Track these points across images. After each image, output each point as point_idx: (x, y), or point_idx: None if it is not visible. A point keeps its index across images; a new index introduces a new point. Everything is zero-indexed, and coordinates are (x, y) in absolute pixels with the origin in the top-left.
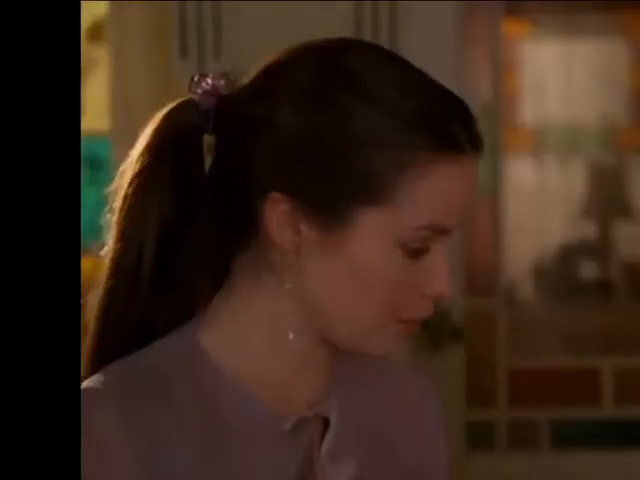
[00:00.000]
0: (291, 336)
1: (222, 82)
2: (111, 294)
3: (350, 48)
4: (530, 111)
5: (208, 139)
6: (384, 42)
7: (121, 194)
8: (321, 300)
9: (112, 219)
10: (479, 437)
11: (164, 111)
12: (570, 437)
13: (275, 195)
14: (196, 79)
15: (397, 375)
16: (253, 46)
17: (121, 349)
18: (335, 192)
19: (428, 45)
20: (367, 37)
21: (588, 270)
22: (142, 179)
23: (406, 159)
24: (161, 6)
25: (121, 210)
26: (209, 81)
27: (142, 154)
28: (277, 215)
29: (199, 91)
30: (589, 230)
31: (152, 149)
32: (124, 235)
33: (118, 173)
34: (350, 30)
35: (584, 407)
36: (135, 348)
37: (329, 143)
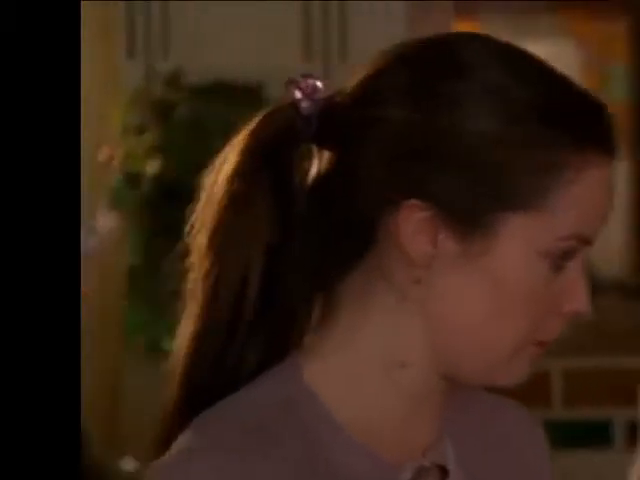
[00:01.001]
0: (410, 369)
1: (321, 85)
2: (207, 331)
3: (467, 42)
4: None
5: (309, 146)
6: (334, 43)
7: (211, 209)
8: (452, 323)
9: (197, 240)
10: None
11: (262, 115)
12: None
13: (413, 202)
14: (291, 82)
15: (494, 407)
16: (201, 45)
17: (212, 391)
18: (476, 197)
19: (378, 46)
20: (316, 38)
21: None
22: (241, 190)
23: (559, 161)
24: (108, 6)
25: (215, 228)
26: (309, 84)
27: (238, 163)
28: (413, 224)
29: (298, 95)
30: None
31: (252, 157)
32: (221, 258)
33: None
34: (299, 30)
35: (535, 408)
36: (225, 389)
37: (466, 143)
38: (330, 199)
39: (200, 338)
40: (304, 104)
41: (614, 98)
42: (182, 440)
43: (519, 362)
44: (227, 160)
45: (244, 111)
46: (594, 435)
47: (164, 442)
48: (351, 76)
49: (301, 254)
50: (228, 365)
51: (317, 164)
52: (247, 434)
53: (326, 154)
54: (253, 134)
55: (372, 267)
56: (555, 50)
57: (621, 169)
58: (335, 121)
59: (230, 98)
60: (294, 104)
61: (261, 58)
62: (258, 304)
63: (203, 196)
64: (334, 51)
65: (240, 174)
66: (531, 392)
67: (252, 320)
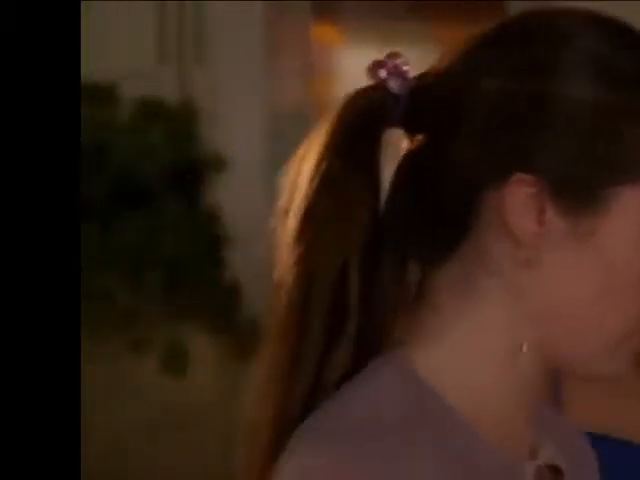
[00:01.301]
0: (522, 358)
1: (407, 65)
2: (305, 332)
3: (563, 12)
4: None
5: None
6: (189, 45)
7: (299, 196)
8: (557, 306)
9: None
10: None
11: (349, 97)
12: None
13: (520, 176)
14: (377, 63)
15: (564, 424)
16: None
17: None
18: (588, 169)
19: (235, 48)
20: (171, 39)
21: None
22: (334, 172)
23: None
24: None
25: (307, 212)
26: (395, 64)
27: (328, 146)
28: (520, 200)
29: (384, 74)
30: None
31: (342, 138)
32: (315, 251)
33: (283, 173)
34: (154, 32)
35: None
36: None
37: (572, 112)
38: (422, 182)
39: (300, 335)
40: (393, 83)
41: None
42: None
43: (621, 353)
44: (312, 146)
45: (97, 110)
46: None
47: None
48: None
49: (392, 242)
50: (331, 364)
51: (405, 146)
52: (381, 435)
53: (415, 135)
54: (342, 116)
55: (471, 252)
56: (418, 55)
57: None
58: (427, 100)
59: (84, 98)
60: (382, 84)
61: (115, 59)
62: (359, 292)
63: (287, 186)
64: (189, 53)
65: (331, 156)
66: None
67: (352, 310)
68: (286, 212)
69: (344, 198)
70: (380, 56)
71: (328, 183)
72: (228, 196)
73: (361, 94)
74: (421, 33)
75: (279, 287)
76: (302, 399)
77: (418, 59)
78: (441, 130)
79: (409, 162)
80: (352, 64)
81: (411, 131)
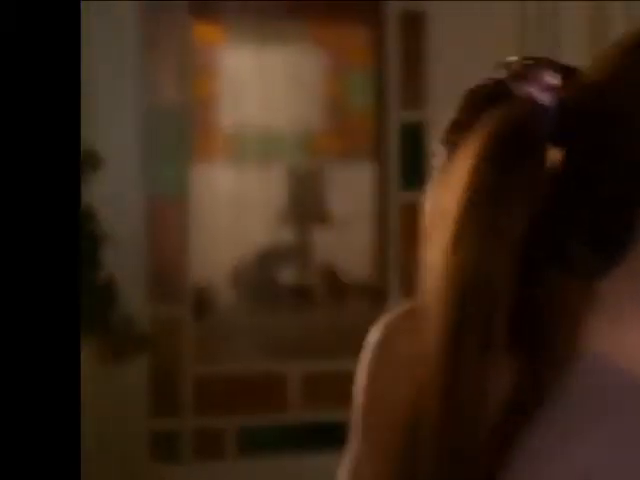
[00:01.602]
0: None
1: (558, 79)
2: (461, 349)
3: None
4: (227, 116)
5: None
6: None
7: (452, 209)
8: None
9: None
10: (164, 448)
11: (500, 112)
12: (257, 443)
13: None
14: (522, 74)
15: None
16: None
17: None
18: None
19: (109, 48)
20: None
21: (286, 275)
22: (493, 190)
23: None
24: None
25: (463, 228)
26: (545, 77)
27: (485, 160)
28: None
29: (534, 88)
30: (287, 235)
31: (495, 158)
32: (471, 265)
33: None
34: None
35: (272, 412)
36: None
37: None
38: (578, 198)
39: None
40: (541, 96)
41: (357, 106)
42: None
43: None
44: (459, 166)
45: None
46: (335, 437)
47: None
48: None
49: (547, 255)
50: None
51: (556, 160)
52: None
53: (562, 148)
54: (497, 132)
55: (636, 264)
56: (300, 55)
57: (364, 174)
58: (578, 113)
59: None
60: (530, 98)
61: None
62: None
63: (430, 208)
64: None
65: (490, 170)
66: (270, 396)
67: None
68: (432, 228)
69: (503, 211)
70: (262, 55)
71: (487, 196)
72: (103, 194)
73: (512, 109)
74: (302, 34)
75: (427, 303)
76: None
77: (300, 60)
78: (597, 144)
79: (560, 176)
80: (232, 63)
81: (558, 144)
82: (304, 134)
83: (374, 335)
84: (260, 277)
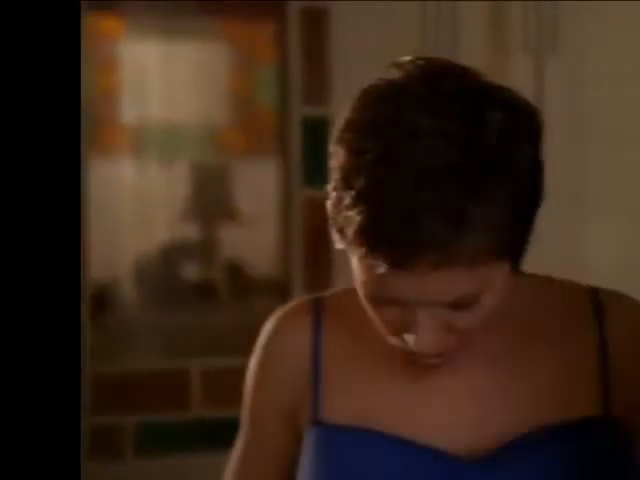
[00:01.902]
0: None
1: None
2: None
3: None
4: (131, 111)
5: None
6: None
7: None
8: None
9: None
10: None
11: None
12: (158, 441)
13: None
14: None
15: None
16: None
17: None
18: None
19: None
20: None
21: (191, 271)
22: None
23: None
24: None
25: None
26: None
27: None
28: None
29: None
30: (192, 231)
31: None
32: None
33: None
34: None
35: (173, 410)
36: None
37: None
38: None
39: None
40: None
41: (263, 102)
42: None
43: None
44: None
45: None
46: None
47: None
48: None
49: None
50: None
51: None
52: None
53: None
54: None
55: None
56: (206, 51)
57: (269, 170)
58: None
59: None
60: None
61: None
62: None
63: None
64: None
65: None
66: (171, 393)
67: None
68: None
69: None
70: (166, 49)
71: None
72: None
73: None
74: (209, 30)
75: None
76: None
77: (207, 57)
78: None
79: None
80: (135, 57)
81: None
82: (209, 130)
83: (265, 329)
84: (163, 273)
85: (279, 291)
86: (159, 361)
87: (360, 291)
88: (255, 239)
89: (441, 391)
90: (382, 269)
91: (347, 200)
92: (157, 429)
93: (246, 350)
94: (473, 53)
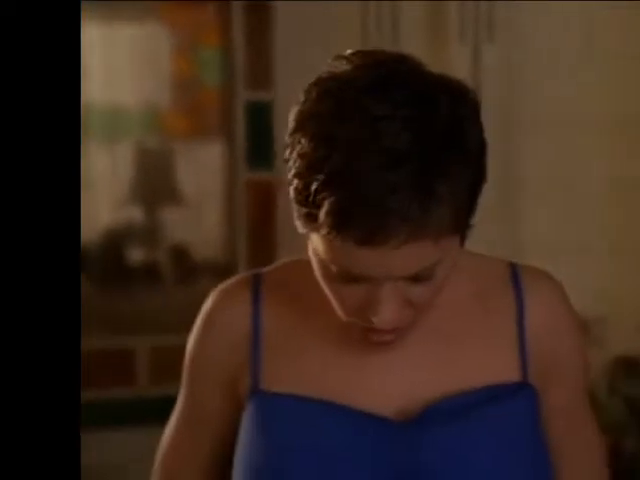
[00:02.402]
0: None
1: None
2: None
3: None
4: None
5: None
6: None
7: None
8: None
9: None
10: None
11: None
12: (105, 417)
13: None
14: None
15: None
16: None
17: None
18: None
19: None
20: None
21: (135, 254)
22: None
23: None
24: None
25: None
26: None
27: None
28: None
29: None
30: (136, 215)
31: None
32: None
33: None
34: None
35: (120, 387)
36: None
37: None
38: None
39: None
40: None
41: (206, 83)
42: None
43: None
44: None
45: None
46: None
47: None
48: None
49: None
50: None
51: None
52: None
53: None
54: None
55: None
56: (145, 34)
57: (213, 153)
58: None
59: None
60: None
61: None
62: None
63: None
64: None
65: None
66: (118, 372)
67: None
68: None
69: None
70: (108, 32)
71: None
72: None
73: None
74: (149, 11)
75: None
76: None
77: (147, 38)
78: None
79: None
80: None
81: None
82: (152, 112)
83: (206, 304)
84: (108, 257)
85: (224, 273)
86: (106, 341)
87: (322, 272)
88: (199, 222)
89: (375, 360)
90: (354, 248)
91: (315, 185)
92: (103, 405)
93: (190, 329)
94: (413, 44)
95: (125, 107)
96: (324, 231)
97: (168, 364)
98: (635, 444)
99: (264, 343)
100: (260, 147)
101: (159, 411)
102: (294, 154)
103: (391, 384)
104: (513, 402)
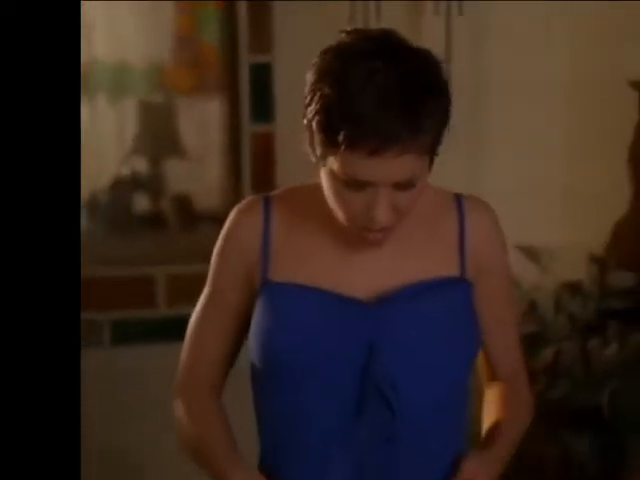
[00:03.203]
0: None
1: None
2: None
3: None
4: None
5: None
6: None
7: None
8: None
9: None
10: None
11: None
12: (129, 335)
13: None
14: None
15: None
16: None
17: None
18: None
19: None
20: None
21: (141, 203)
22: None
23: None
24: None
25: None
26: None
27: None
28: None
29: None
30: (141, 166)
31: None
32: None
33: None
34: None
35: (142, 309)
36: None
37: None
38: None
39: None
40: None
41: (206, 40)
42: None
43: None
44: None
45: None
46: None
47: None
48: None
49: None
50: None
51: None
52: None
53: None
54: None
55: None
56: None
57: (213, 108)
58: None
59: None
60: None
61: None
62: None
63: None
64: None
65: None
66: (138, 295)
67: None
68: None
69: None
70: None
71: None
72: None
73: None
74: None
75: None
76: None
77: None
78: None
79: None
80: None
81: None
82: (156, 69)
83: (227, 219)
84: (116, 205)
85: (224, 221)
86: (128, 270)
87: (333, 186)
88: (201, 173)
89: (354, 259)
90: (364, 158)
91: (334, 116)
92: (128, 324)
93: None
94: (393, 15)
95: (130, 64)
96: (342, 147)
97: (183, 290)
98: (574, 349)
99: (272, 246)
100: (262, 103)
101: (176, 329)
102: (316, 97)
103: (365, 276)
104: (453, 290)
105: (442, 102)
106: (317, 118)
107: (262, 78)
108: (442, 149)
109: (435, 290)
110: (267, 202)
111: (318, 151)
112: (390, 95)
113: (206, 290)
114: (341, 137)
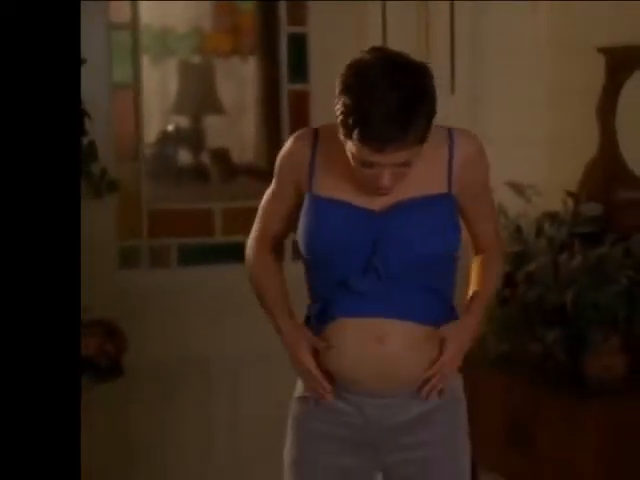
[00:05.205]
0: None
1: None
2: None
3: None
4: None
5: None
6: None
7: None
8: None
9: None
10: (128, 259)
11: None
12: (193, 257)
13: None
14: None
15: None
16: None
17: None
18: None
19: None
20: None
21: (183, 156)
22: None
23: None
24: None
25: None
26: None
27: None
28: None
29: None
30: (183, 123)
31: None
32: None
33: None
34: None
35: (202, 236)
36: None
37: None
38: None
39: None
40: None
41: (244, 6)
42: None
43: None
44: None
45: None
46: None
47: None
48: None
49: None
50: None
51: None
52: None
53: None
54: None
55: None
56: None
57: (249, 70)
58: None
59: None
60: None
61: None
62: None
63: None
64: None
65: None
66: (197, 225)
67: None
68: None
69: None
70: None
71: None
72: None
73: None
74: None
75: None
76: None
77: None
78: None
79: None
80: None
81: None
82: (196, 33)
83: (285, 144)
84: (162, 158)
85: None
86: (188, 205)
87: (353, 162)
88: (240, 129)
89: (370, 188)
90: (370, 153)
91: (350, 120)
92: (192, 248)
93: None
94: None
95: (172, 28)
96: (355, 142)
97: (237, 221)
98: (548, 262)
99: (317, 169)
100: (298, 67)
101: (230, 253)
102: (340, 103)
103: (373, 197)
104: (439, 203)
105: (431, 105)
106: (340, 117)
107: (298, 45)
108: (447, 107)
109: (425, 204)
110: (316, 133)
111: (341, 136)
112: (391, 107)
113: (272, 185)
114: (354, 136)
